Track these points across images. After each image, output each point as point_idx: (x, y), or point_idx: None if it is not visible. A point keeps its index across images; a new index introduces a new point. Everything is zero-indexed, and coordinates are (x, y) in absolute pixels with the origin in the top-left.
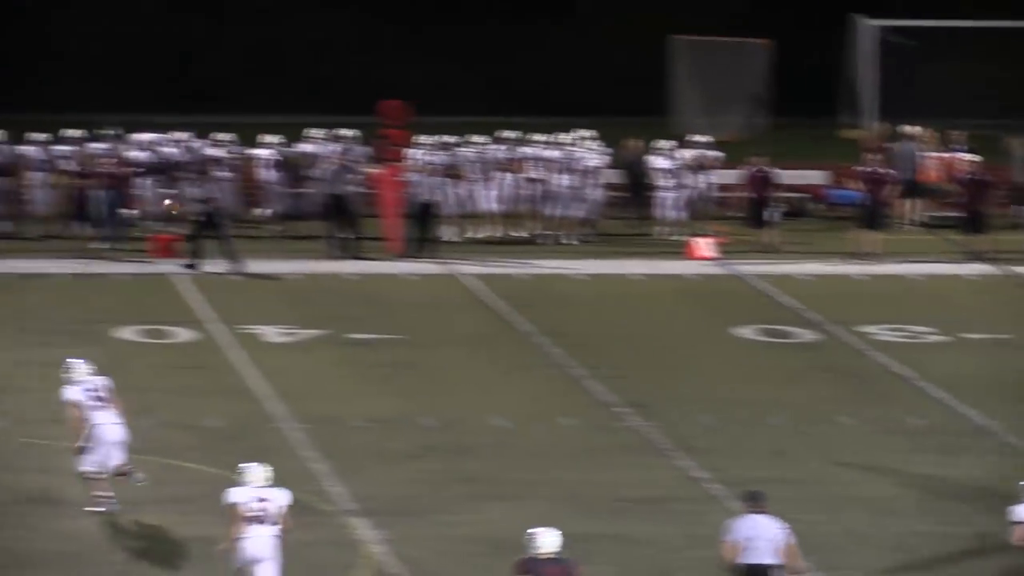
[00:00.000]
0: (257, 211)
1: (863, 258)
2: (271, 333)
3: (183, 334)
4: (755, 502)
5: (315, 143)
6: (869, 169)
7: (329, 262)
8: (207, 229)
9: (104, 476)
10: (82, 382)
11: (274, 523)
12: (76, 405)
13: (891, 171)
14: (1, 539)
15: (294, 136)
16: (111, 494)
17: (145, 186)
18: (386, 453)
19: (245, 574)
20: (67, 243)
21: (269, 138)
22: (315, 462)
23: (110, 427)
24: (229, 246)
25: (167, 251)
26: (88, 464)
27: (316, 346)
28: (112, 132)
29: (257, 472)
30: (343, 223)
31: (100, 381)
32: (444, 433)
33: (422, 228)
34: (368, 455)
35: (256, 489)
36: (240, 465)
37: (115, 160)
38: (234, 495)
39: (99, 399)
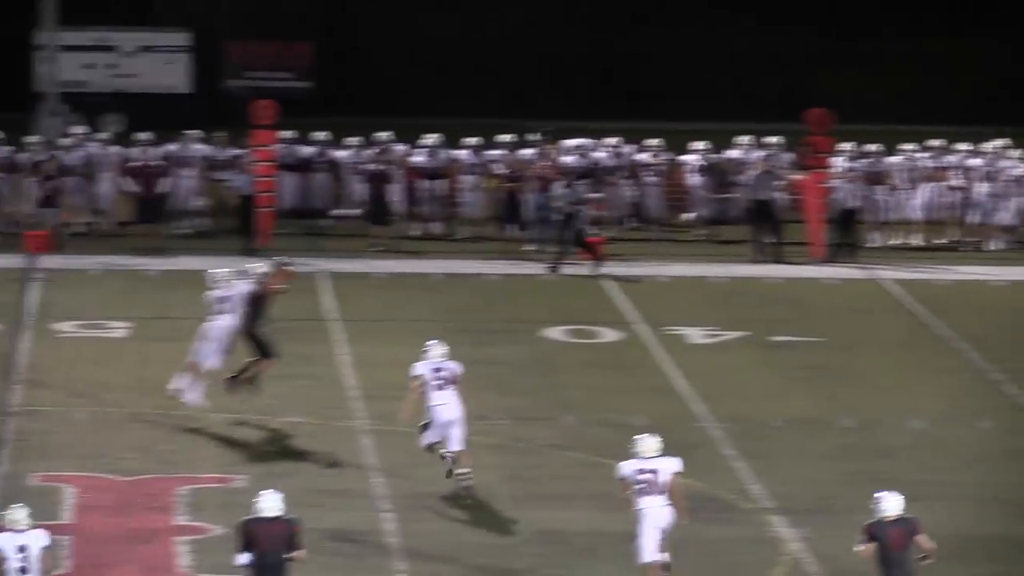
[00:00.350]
0: (683, 215)
1: None
2: (694, 334)
3: (609, 334)
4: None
5: (741, 149)
6: None
7: (753, 266)
8: (566, 230)
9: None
10: (433, 362)
11: (662, 493)
12: (420, 380)
13: None
14: (424, 530)
15: (721, 143)
16: (466, 470)
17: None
18: (805, 453)
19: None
20: (497, 245)
21: (696, 144)
22: (735, 460)
23: (445, 408)
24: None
25: (593, 254)
26: (428, 439)
27: (738, 347)
28: (541, 137)
29: (648, 443)
30: (767, 228)
31: (451, 365)
32: (862, 434)
33: (844, 233)
34: (787, 454)
35: (644, 461)
36: (634, 437)
37: (546, 164)
38: (624, 468)
39: (442, 380)
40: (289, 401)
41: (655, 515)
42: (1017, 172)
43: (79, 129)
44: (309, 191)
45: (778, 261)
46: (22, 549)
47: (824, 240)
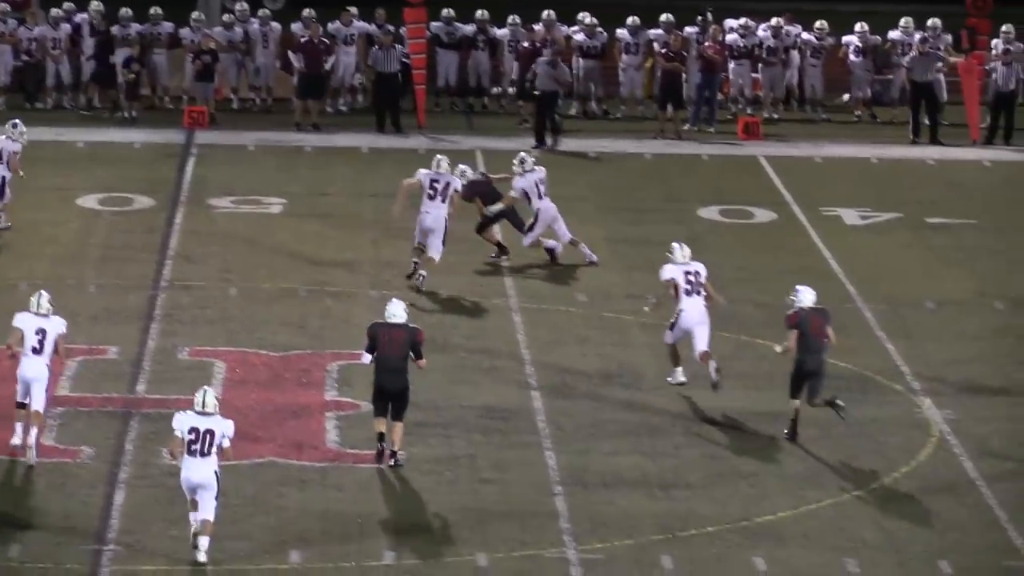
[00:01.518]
0: (844, 96)
1: None
2: (849, 215)
3: (763, 214)
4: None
5: (902, 31)
6: None
7: (909, 147)
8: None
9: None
10: (683, 264)
11: (700, 293)
12: (672, 285)
13: None
14: (575, 410)
15: (881, 24)
16: (682, 379)
17: (736, 70)
18: (956, 334)
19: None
20: (653, 124)
21: (857, 25)
22: (886, 341)
23: (695, 312)
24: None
25: (753, 133)
26: (670, 338)
27: (892, 229)
28: (704, 16)
29: (685, 251)
30: (925, 109)
31: (698, 267)
32: (1014, 315)
33: (1001, 116)
34: (938, 336)
35: (686, 265)
36: (672, 244)
37: (709, 45)
38: (669, 271)
39: (692, 284)
40: (442, 279)
41: (697, 311)
42: None
43: (239, 5)
44: (466, 69)
45: (935, 143)
46: (202, 431)
47: (981, 122)
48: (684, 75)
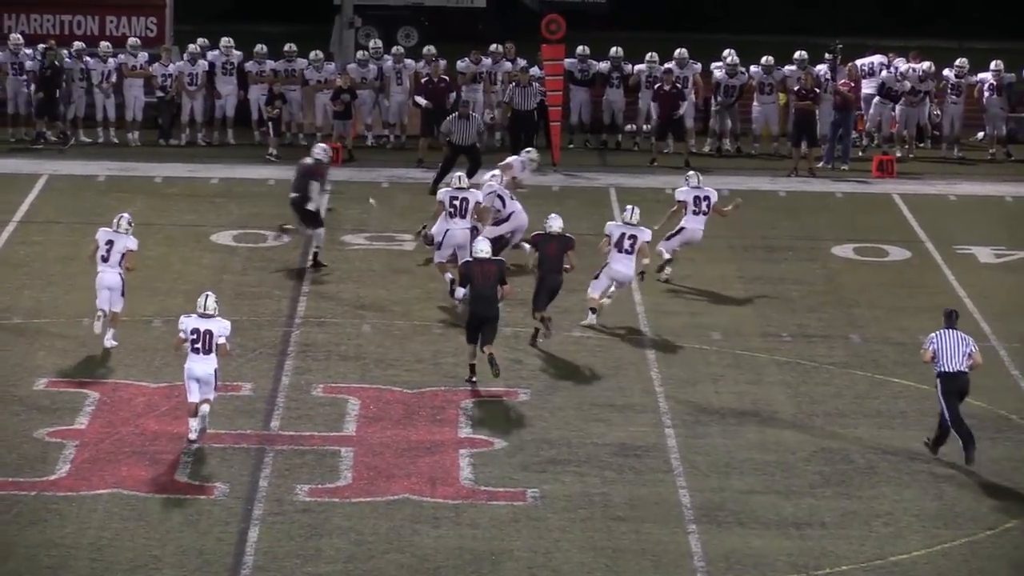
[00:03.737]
0: (979, 134)
1: None
2: (983, 253)
3: (897, 252)
4: (949, 320)
5: None
6: None
7: None
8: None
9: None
10: (695, 189)
11: (630, 253)
12: (684, 205)
13: None
14: (709, 448)
15: (1016, 61)
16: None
17: (876, 106)
18: None
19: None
20: (788, 162)
21: (992, 62)
22: (1022, 380)
23: (696, 230)
24: None
25: (887, 171)
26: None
27: None
28: (836, 54)
29: (636, 212)
30: None
31: (709, 192)
32: None
33: None
34: None
35: (627, 226)
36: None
37: (844, 82)
38: (610, 227)
39: (699, 207)
40: (572, 315)
41: (621, 269)
42: None
43: (373, 43)
44: (600, 106)
45: None
46: (202, 331)
47: None
48: (817, 112)
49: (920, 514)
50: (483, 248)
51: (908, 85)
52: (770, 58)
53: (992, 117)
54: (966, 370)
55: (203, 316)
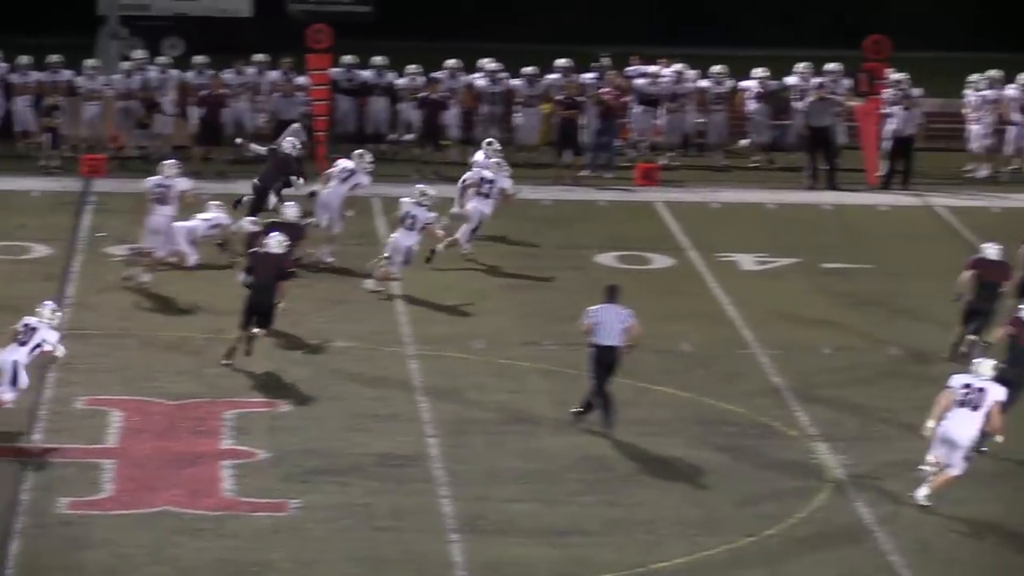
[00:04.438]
0: (740, 142)
1: None
2: (746, 261)
3: (660, 260)
4: (611, 294)
5: (799, 76)
6: None
7: (806, 192)
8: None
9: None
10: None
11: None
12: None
13: None
14: (471, 457)
15: (779, 69)
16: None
17: (636, 116)
18: (852, 379)
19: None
20: (552, 170)
21: (755, 70)
22: (782, 387)
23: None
24: None
25: (650, 179)
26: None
27: (789, 274)
28: (605, 63)
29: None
30: (822, 154)
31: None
32: (908, 362)
33: (899, 160)
34: (835, 382)
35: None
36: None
37: (608, 90)
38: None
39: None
40: (338, 326)
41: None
42: None
43: (139, 53)
44: (366, 116)
45: (832, 188)
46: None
47: (878, 167)
48: (581, 121)
49: (682, 521)
50: (274, 241)
51: (664, 90)
52: (534, 68)
53: (756, 125)
54: (619, 344)
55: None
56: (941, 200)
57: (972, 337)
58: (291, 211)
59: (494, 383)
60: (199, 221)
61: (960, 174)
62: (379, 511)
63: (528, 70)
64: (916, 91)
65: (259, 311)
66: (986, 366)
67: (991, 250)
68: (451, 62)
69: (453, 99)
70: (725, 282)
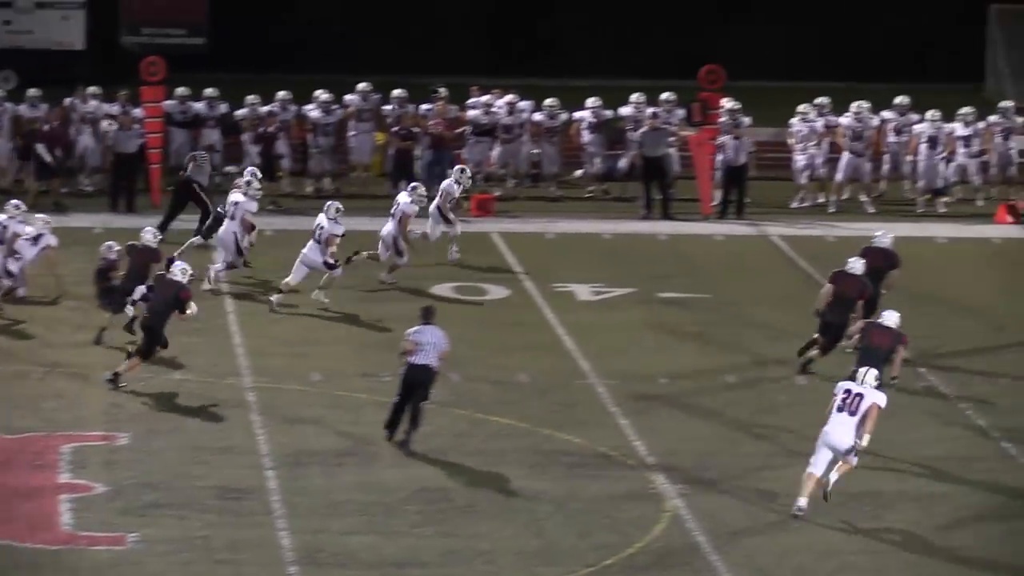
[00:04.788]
0: (575, 172)
1: None
2: (582, 291)
3: (497, 291)
4: (427, 315)
5: (633, 106)
6: None
7: (642, 222)
8: None
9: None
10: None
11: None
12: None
13: None
14: (310, 489)
15: (613, 99)
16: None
17: (470, 147)
18: (689, 408)
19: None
20: (387, 201)
21: (589, 100)
22: (619, 417)
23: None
24: None
25: (486, 210)
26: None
27: (625, 304)
28: (440, 93)
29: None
30: (657, 184)
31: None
32: (745, 391)
33: (732, 190)
34: (671, 411)
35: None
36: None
37: (437, 121)
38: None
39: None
40: (176, 358)
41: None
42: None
43: None
44: (200, 148)
45: (667, 217)
46: None
47: (712, 197)
48: (416, 152)
49: (521, 552)
50: (178, 270)
51: (497, 121)
52: (368, 84)
53: (590, 155)
54: (433, 365)
55: None
56: (776, 229)
57: (813, 354)
58: (147, 235)
59: (332, 415)
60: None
61: (808, 203)
62: (218, 544)
63: (362, 86)
64: (746, 120)
65: (146, 329)
66: (870, 375)
67: (856, 265)
68: (282, 94)
69: (284, 131)
70: (562, 313)
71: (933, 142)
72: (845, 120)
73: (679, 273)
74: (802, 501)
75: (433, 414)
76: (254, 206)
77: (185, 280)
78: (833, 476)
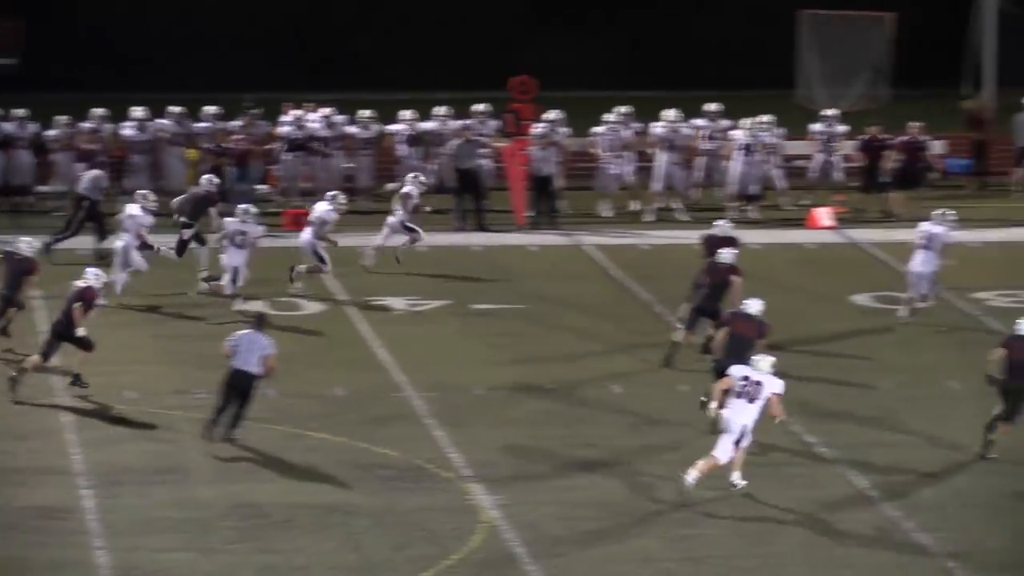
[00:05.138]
0: (388, 186)
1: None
2: (397, 304)
3: (311, 306)
4: (257, 323)
5: (438, 120)
6: (907, 138)
7: (456, 234)
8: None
9: None
10: None
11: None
12: None
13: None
14: (125, 507)
15: (429, 111)
16: None
17: (287, 162)
18: (505, 419)
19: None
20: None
21: (404, 113)
22: (435, 429)
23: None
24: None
25: (299, 225)
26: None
27: (440, 316)
28: (252, 109)
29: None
30: (470, 196)
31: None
32: (561, 400)
33: (542, 200)
34: (487, 422)
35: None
36: None
37: (239, 137)
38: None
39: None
40: None
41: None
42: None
43: None
44: (11, 168)
45: (481, 229)
46: None
47: (525, 207)
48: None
49: (338, 566)
50: (91, 275)
51: (308, 135)
52: (183, 109)
53: (407, 168)
54: (254, 371)
55: None
56: (590, 239)
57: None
58: (23, 246)
59: (146, 433)
60: None
61: (614, 212)
62: (36, 564)
63: (174, 109)
64: (565, 130)
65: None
66: (765, 362)
67: (726, 255)
68: (98, 111)
69: (102, 149)
70: (377, 326)
71: (748, 149)
72: (660, 130)
73: (494, 284)
74: (691, 476)
75: (249, 430)
76: (149, 220)
77: (98, 285)
78: (736, 477)
